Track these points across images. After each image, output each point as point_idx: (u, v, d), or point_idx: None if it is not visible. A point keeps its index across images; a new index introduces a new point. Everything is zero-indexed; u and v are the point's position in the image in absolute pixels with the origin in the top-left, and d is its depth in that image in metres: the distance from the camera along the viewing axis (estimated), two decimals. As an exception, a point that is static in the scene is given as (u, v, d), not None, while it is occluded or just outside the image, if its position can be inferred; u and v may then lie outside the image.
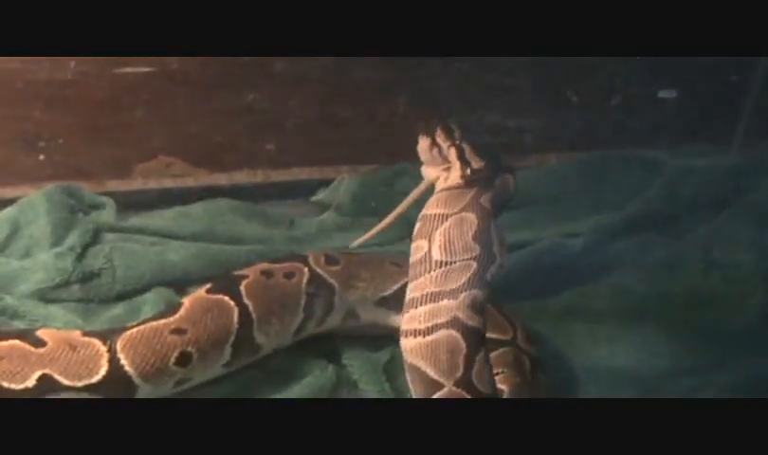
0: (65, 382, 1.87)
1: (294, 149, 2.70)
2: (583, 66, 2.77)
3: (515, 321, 2.13)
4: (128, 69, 2.53)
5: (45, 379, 1.86)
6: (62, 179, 2.51)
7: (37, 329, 1.96)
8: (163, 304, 2.20)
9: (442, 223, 1.85)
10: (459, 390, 1.79)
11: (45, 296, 2.21)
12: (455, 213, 1.86)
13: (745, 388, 2.01)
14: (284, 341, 2.08)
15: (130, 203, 2.58)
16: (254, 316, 2.00)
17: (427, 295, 1.81)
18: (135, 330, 1.92)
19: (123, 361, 1.89)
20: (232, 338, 1.98)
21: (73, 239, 2.32)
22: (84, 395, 1.87)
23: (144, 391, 1.91)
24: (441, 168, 1.96)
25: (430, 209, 1.89)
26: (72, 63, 2.50)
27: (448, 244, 1.83)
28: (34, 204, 2.42)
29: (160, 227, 2.47)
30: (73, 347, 1.88)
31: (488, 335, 2.05)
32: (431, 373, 1.79)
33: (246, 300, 2.00)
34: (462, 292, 1.80)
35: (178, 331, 1.93)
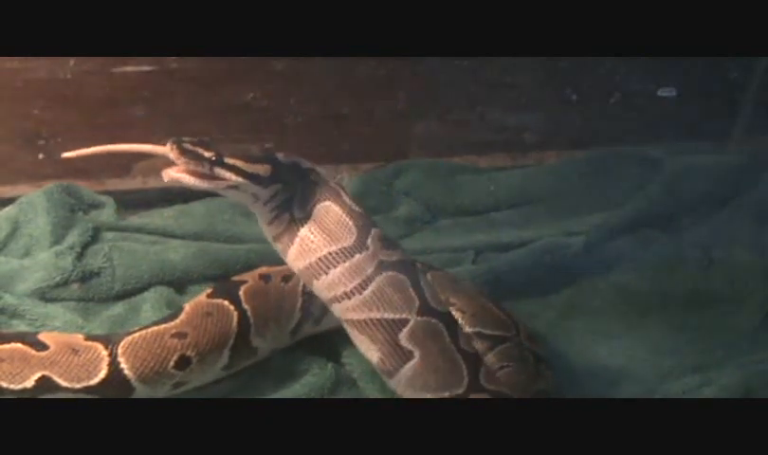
0: (64, 384, 1.87)
1: (294, 147, 2.68)
2: (583, 65, 2.77)
3: (517, 319, 2.13)
4: (128, 68, 2.53)
5: (43, 380, 1.87)
6: (61, 178, 2.51)
7: (39, 332, 1.97)
8: (163, 303, 2.21)
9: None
10: (424, 318, 1.83)
11: (44, 295, 2.21)
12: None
13: (746, 387, 2.01)
14: (282, 343, 2.10)
15: (130, 202, 2.58)
16: (252, 320, 2.02)
17: (326, 257, 1.83)
18: (137, 334, 1.94)
19: (123, 365, 1.90)
20: (231, 342, 1.99)
21: (73, 238, 2.33)
22: (81, 396, 1.88)
23: (140, 394, 1.91)
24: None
25: None
26: (72, 61, 2.50)
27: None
28: (34, 203, 2.42)
29: (160, 226, 2.47)
30: (75, 351, 1.90)
31: (492, 332, 2.08)
32: (390, 314, 1.82)
33: (245, 305, 2.02)
34: (366, 240, 1.83)
35: (179, 335, 1.95)
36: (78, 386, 1.88)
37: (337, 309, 1.87)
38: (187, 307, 2.00)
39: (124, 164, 2.62)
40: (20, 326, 2.12)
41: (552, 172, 2.78)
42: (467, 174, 2.76)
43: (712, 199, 2.61)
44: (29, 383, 1.86)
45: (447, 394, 1.83)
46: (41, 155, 2.56)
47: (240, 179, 1.81)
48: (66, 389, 1.87)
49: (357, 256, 1.83)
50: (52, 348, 1.89)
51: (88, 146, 2.46)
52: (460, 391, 1.83)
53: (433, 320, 1.84)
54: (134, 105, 2.58)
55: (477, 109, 2.81)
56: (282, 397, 2.01)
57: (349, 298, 1.84)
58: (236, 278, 2.11)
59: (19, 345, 1.89)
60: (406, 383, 1.85)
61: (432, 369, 1.84)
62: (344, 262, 1.83)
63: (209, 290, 2.06)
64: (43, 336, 1.93)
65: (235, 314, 2.00)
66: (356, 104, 2.73)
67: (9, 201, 2.47)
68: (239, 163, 1.81)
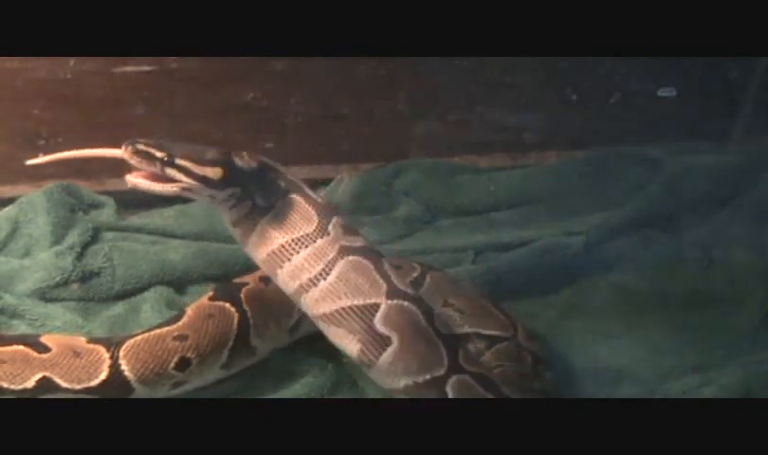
0: (64, 384, 1.88)
1: (293, 147, 2.70)
2: (583, 65, 2.77)
3: (516, 320, 2.13)
4: (128, 68, 2.53)
5: (44, 381, 1.87)
6: (61, 178, 2.51)
7: (41, 334, 1.98)
8: (163, 303, 2.21)
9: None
10: (395, 301, 1.83)
11: (44, 295, 2.22)
12: None
13: (746, 387, 2.01)
14: (281, 342, 2.10)
15: (130, 202, 2.57)
16: (252, 321, 2.03)
17: (288, 244, 1.84)
18: (139, 337, 1.94)
19: (124, 367, 1.91)
20: (231, 343, 2.00)
21: (73, 238, 2.33)
22: (81, 397, 1.88)
23: (139, 394, 1.92)
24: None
25: None
26: (72, 61, 2.50)
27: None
28: (34, 202, 2.42)
29: (160, 226, 2.47)
30: (77, 353, 1.90)
31: (490, 332, 2.08)
32: (360, 300, 1.83)
33: (245, 307, 2.03)
34: (327, 226, 1.85)
35: (180, 337, 1.96)
36: (78, 387, 1.88)
37: (306, 303, 1.87)
38: (189, 311, 2.01)
39: (124, 164, 2.62)
40: (20, 326, 2.12)
41: (552, 172, 2.78)
42: (467, 174, 2.76)
43: (712, 199, 2.61)
44: (30, 384, 1.87)
45: (428, 376, 1.84)
46: (41, 155, 2.56)
47: (190, 181, 1.81)
48: (66, 389, 1.88)
49: (319, 241, 1.84)
50: (54, 350, 1.90)
51: (89, 145, 2.48)
52: (441, 372, 1.84)
53: (405, 303, 1.85)
54: (134, 105, 2.58)
55: (477, 109, 2.81)
56: (282, 397, 2.01)
57: (315, 285, 1.84)
58: (237, 280, 2.11)
59: (21, 347, 1.90)
60: (387, 370, 1.85)
61: (412, 352, 1.84)
62: (306, 247, 1.84)
63: (210, 292, 2.07)
64: (45, 339, 1.93)
65: (236, 315, 2.01)
66: (356, 104, 2.73)
67: (9, 201, 2.47)
68: (189, 164, 1.82)
